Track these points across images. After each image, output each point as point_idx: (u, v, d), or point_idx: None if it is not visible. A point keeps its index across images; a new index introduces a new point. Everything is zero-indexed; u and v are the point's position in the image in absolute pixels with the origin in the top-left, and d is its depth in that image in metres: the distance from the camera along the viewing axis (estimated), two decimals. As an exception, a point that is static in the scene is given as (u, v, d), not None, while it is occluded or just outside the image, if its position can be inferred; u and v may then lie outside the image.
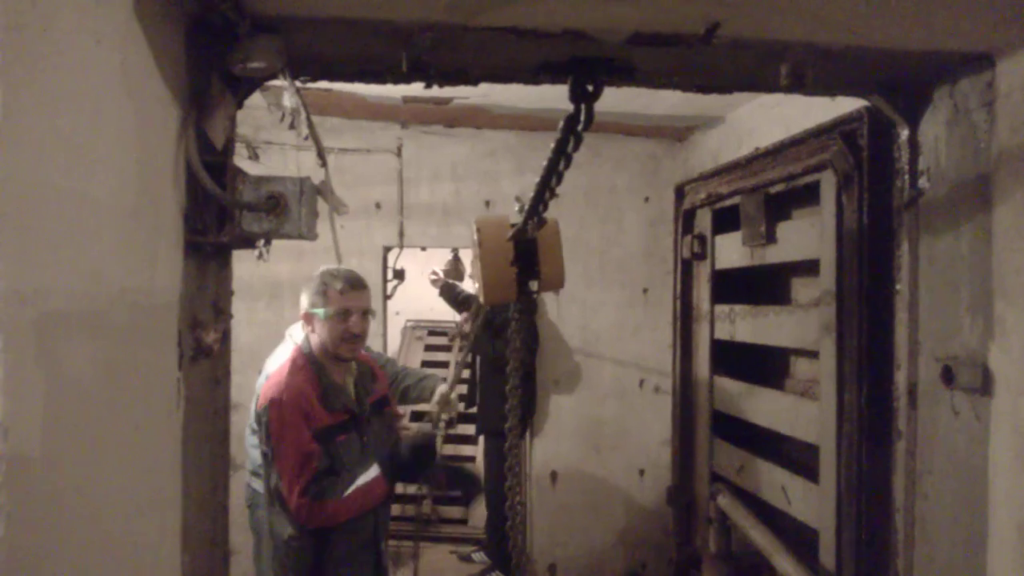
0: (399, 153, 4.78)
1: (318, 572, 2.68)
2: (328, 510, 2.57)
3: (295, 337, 3.32)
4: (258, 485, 3.36)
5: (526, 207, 1.88)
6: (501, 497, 5.09)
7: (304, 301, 2.76)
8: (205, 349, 1.66)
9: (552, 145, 1.57)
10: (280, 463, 2.58)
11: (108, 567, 1.23)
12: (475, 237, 2.10)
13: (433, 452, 2.74)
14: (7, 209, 0.92)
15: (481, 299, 2.11)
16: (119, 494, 1.26)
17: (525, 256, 2.07)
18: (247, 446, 3.35)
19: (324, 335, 2.70)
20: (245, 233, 1.70)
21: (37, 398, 1.00)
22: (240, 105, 1.77)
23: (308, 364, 2.71)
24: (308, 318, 2.74)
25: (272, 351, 3.48)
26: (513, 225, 2.07)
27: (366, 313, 2.76)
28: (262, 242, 1.82)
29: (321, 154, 1.93)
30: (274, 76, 1.70)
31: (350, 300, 2.70)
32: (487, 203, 4.99)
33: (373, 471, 2.62)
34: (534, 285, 2.12)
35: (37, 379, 1.00)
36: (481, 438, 5.61)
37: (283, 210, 1.70)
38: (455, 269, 6.31)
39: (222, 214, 1.68)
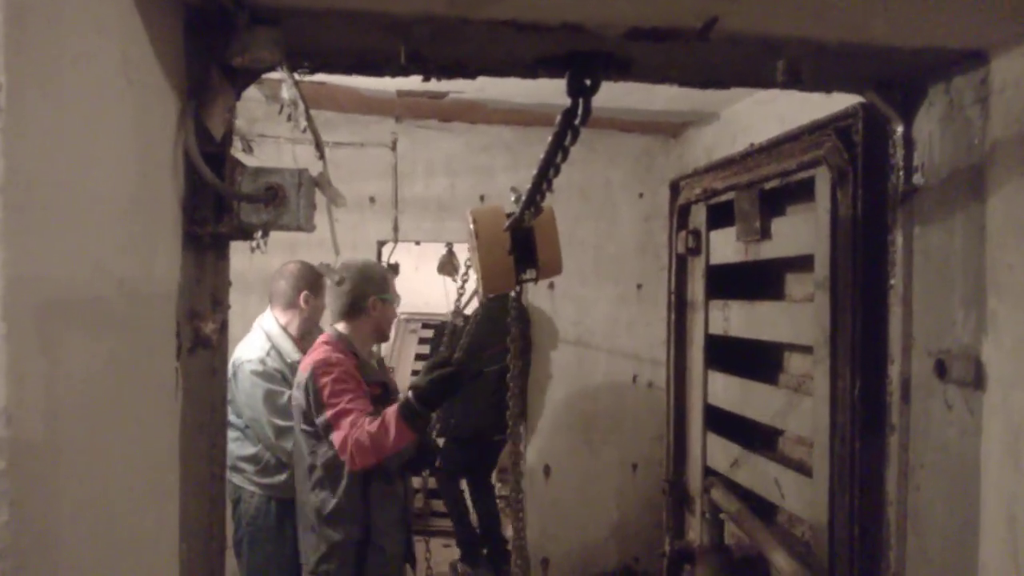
0: (393, 147, 4.75)
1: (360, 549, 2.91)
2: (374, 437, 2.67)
3: (264, 326, 3.46)
4: (239, 480, 3.40)
5: (523, 198, 1.89)
6: (465, 504, 5.07)
7: (364, 288, 3.02)
8: (203, 340, 1.66)
9: (548, 140, 1.57)
10: (340, 412, 2.72)
11: (109, 555, 1.24)
12: (471, 228, 2.11)
13: (455, 382, 2.77)
14: (12, 199, 0.92)
15: (480, 289, 2.12)
16: (119, 482, 1.27)
17: (522, 245, 2.09)
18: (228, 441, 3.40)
19: (381, 317, 3.09)
20: (243, 224, 1.71)
21: (39, 386, 1.00)
22: (238, 96, 1.77)
23: (342, 344, 2.99)
24: (374, 303, 3.06)
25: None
26: (510, 215, 2.07)
27: None
28: (259, 234, 1.82)
29: (319, 146, 1.94)
30: (273, 68, 1.70)
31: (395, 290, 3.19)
32: (482, 197, 4.98)
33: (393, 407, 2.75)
34: (531, 273, 2.13)
35: (39, 367, 1.01)
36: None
37: (281, 202, 1.70)
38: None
39: (220, 205, 1.68)
